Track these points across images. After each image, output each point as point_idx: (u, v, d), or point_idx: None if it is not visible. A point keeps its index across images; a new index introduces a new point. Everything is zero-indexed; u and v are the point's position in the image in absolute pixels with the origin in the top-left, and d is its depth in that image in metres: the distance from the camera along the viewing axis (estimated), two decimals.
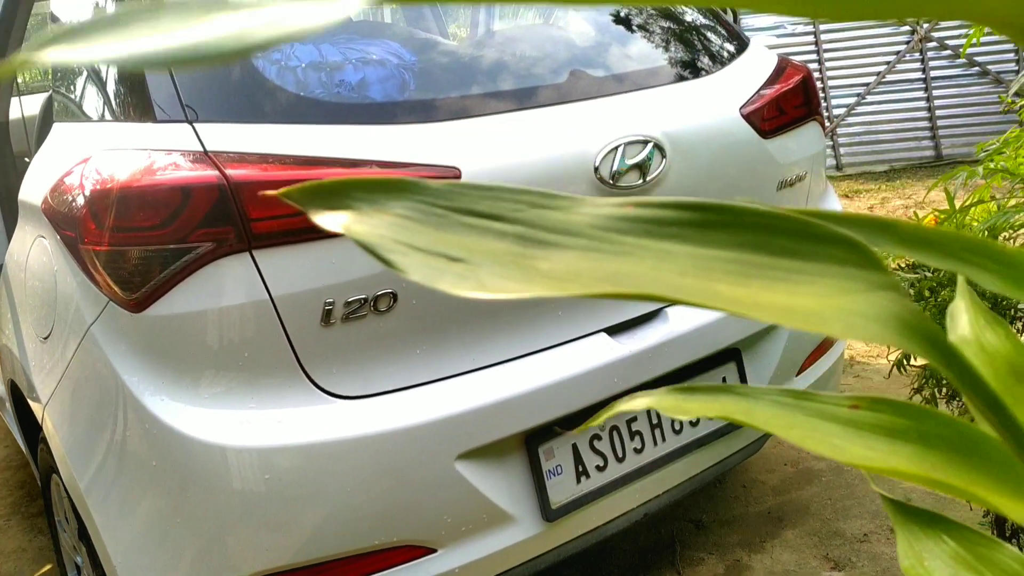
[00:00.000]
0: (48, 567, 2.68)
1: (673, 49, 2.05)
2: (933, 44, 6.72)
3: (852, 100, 6.82)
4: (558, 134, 1.67)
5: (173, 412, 1.43)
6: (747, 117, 1.93)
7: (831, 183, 6.32)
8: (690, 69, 1.99)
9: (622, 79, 1.85)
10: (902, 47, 6.77)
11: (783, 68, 2.19)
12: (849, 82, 6.86)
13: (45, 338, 1.68)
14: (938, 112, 6.66)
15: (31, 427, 2.08)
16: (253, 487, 1.44)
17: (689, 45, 2.09)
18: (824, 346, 2.22)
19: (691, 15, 2.20)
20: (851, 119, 6.80)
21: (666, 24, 2.12)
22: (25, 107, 2.81)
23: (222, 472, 1.43)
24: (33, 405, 1.80)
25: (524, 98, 1.71)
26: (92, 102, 1.69)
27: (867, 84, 6.80)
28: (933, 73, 6.71)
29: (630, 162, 1.69)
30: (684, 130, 1.80)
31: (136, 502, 1.51)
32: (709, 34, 2.17)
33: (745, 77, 2.03)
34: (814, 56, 6.89)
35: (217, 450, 1.42)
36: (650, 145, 1.72)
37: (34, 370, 1.74)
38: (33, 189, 1.72)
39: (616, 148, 1.68)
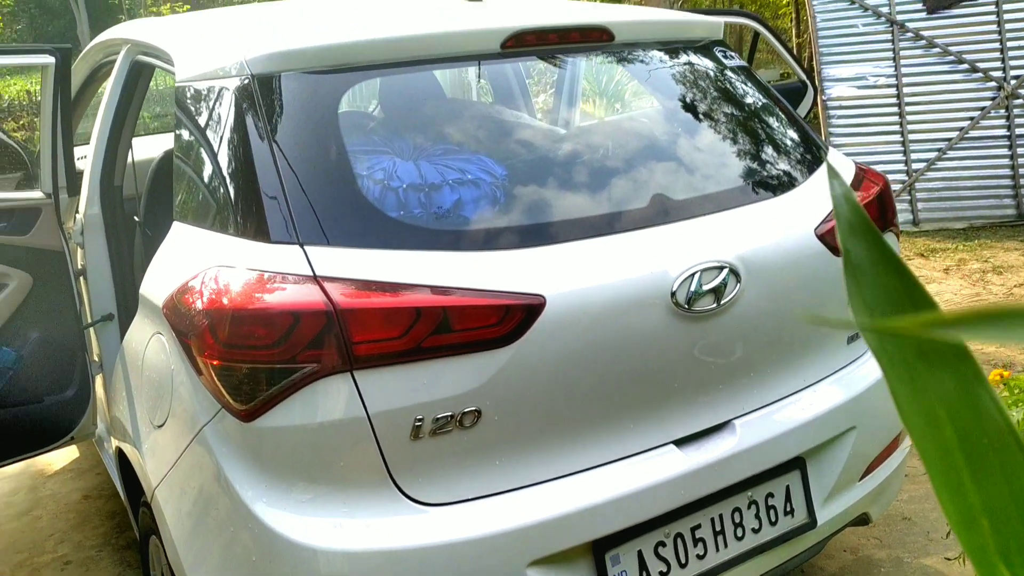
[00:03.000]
0: None
1: (752, 167, 2.12)
2: (1020, 101, 6.60)
3: (932, 154, 6.73)
4: (638, 260, 1.76)
5: (272, 515, 1.57)
6: (822, 237, 1.99)
7: (906, 239, 6.22)
8: (767, 188, 2.06)
9: (700, 202, 1.94)
10: (987, 103, 6.67)
11: (860, 179, 2.25)
12: (930, 136, 6.78)
13: (159, 426, 1.84)
14: (1021, 170, 6.54)
15: (133, 487, 2.25)
16: None
17: (767, 162, 2.16)
18: (892, 447, 2.26)
19: (773, 123, 2.28)
20: (931, 174, 6.71)
21: (745, 140, 2.20)
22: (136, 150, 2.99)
23: (314, 572, 1.56)
24: (142, 481, 1.97)
25: (606, 223, 1.81)
26: (211, 211, 1.85)
27: (949, 139, 6.71)
28: (1019, 131, 6.59)
29: (706, 287, 1.78)
30: (759, 254, 1.88)
31: None
32: (788, 146, 2.24)
33: (821, 194, 2.09)
34: (895, 108, 6.82)
35: (311, 551, 1.55)
36: (725, 270, 1.80)
37: (146, 452, 1.91)
38: (154, 288, 1.89)
39: (693, 274, 1.77)
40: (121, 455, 2.26)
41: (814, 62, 7.12)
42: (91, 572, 3.08)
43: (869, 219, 0.53)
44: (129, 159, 2.92)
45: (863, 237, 0.52)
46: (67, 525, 3.45)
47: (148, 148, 3.55)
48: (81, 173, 2.80)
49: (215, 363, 1.59)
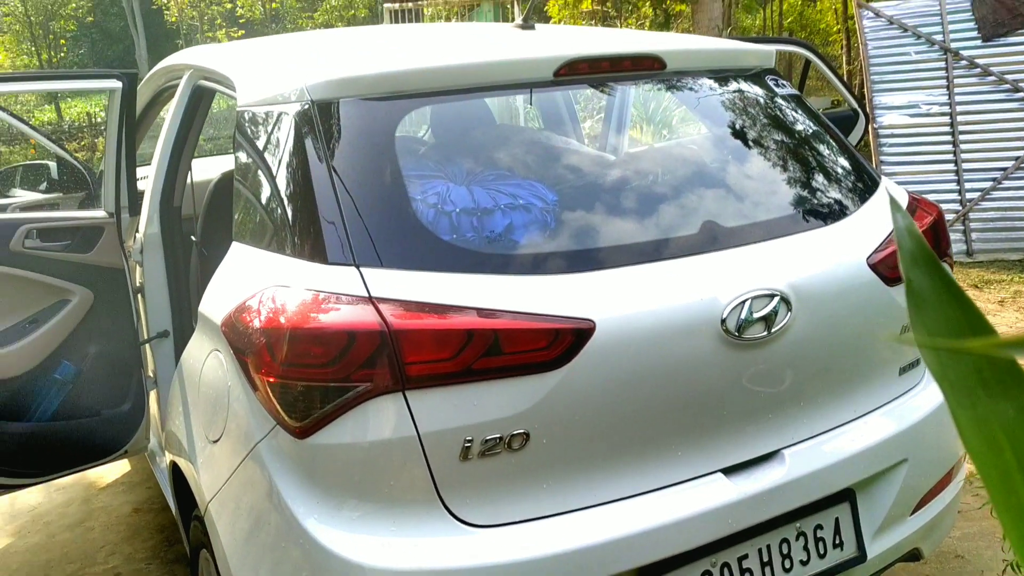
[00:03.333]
0: None
1: (803, 195, 2.12)
2: None
3: (987, 184, 6.62)
4: (688, 287, 1.77)
5: (323, 531, 1.60)
6: (874, 266, 1.98)
7: (960, 270, 6.10)
8: (819, 216, 2.06)
9: (751, 229, 1.94)
10: None
11: (913, 209, 2.23)
12: (985, 165, 6.67)
13: (214, 441, 1.88)
14: None
15: (186, 501, 2.30)
16: None
17: (819, 190, 2.16)
18: (945, 481, 2.22)
19: (825, 151, 2.27)
20: (985, 203, 6.60)
21: (797, 167, 2.20)
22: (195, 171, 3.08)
23: None
24: (196, 494, 2.01)
25: (656, 250, 1.82)
26: (270, 232, 1.90)
27: (1004, 168, 6.59)
28: None
29: (757, 315, 1.77)
30: (810, 282, 1.87)
31: None
32: (840, 175, 2.23)
33: (873, 223, 2.08)
34: (948, 137, 6.73)
35: (359, 568, 1.58)
36: (776, 299, 1.80)
37: (201, 466, 1.96)
38: (213, 306, 1.94)
39: (743, 302, 1.76)
40: (175, 469, 2.32)
41: (865, 90, 7.06)
42: None
43: (931, 250, 0.54)
44: (188, 180, 3.01)
45: (925, 268, 0.54)
46: (118, 537, 3.52)
47: (205, 169, 3.65)
48: (142, 193, 2.89)
49: (271, 380, 1.63)
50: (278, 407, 1.62)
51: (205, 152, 5.46)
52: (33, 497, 3.94)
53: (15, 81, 2.95)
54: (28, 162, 4.25)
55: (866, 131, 3.98)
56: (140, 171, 3.07)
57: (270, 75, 2.14)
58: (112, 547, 3.44)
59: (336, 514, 1.60)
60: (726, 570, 1.83)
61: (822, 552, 1.94)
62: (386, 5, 13.64)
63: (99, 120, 13.27)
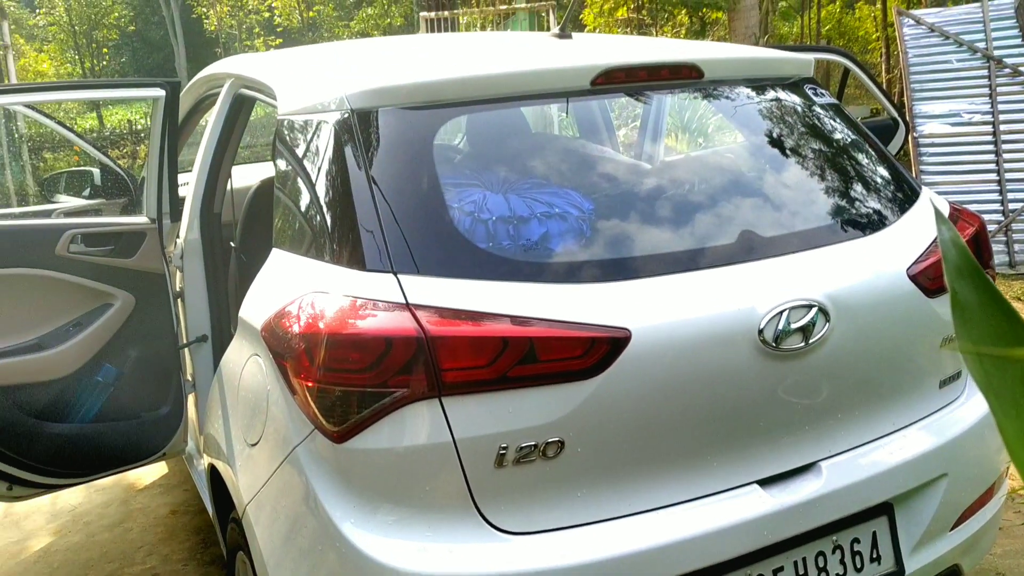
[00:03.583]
0: None
1: (842, 205, 2.10)
2: None
3: None
4: (725, 296, 1.76)
5: (359, 535, 1.61)
6: (914, 277, 1.96)
7: (1003, 282, 5.99)
8: (858, 227, 2.04)
9: (789, 239, 1.92)
10: None
11: (955, 219, 2.20)
12: None
13: (253, 444, 1.91)
14: None
15: (223, 504, 2.33)
16: None
17: (858, 200, 2.14)
18: (986, 497, 2.18)
19: (864, 161, 2.25)
20: None
21: (836, 177, 2.18)
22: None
23: None
24: (234, 497, 2.04)
25: (693, 259, 1.82)
26: (309, 239, 1.92)
27: None
28: None
29: (794, 326, 1.76)
30: (849, 293, 1.85)
31: None
32: (880, 185, 2.21)
33: (913, 234, 2.05)
34: (991, 146, 6.62)
35: (394, 573, 1.59)
36: (814, 309, 1.79)
37: (239, 469, 1.98)
38: (253, 311, 1.97)
39: (781, 312, 1.75)
40: (213, 472, 2.35)
41: (905, 98, 6.98)
42: None
43: (976, 262, 0.54)
44: (228, 187, 3.05)
45: (970, 280, 0.54)
46: (155, 538, 3.57)
47: (244, 177, 3.70)
48: (183, 200, 2.94)
49: (309, 385, 1.65)
50: (316, 411, 1.64)
51: (242, 160, 5.54)
52: (74, 497, 4.01)
53: (63, 90, 3.03)
54: (72, 168, 4.35)
55: (906, 140, 3.93)
56: (181, 178, 3.12)
57: (310, 84, 2.17)
58: (150, 548, 3.49)
59: (372, 518, 1.62)
60: None
61: (859, 566, 1.92)
62: (422, 14, 13.76)
63: (140, 127, 13.52)
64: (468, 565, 1.60)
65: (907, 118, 5.92)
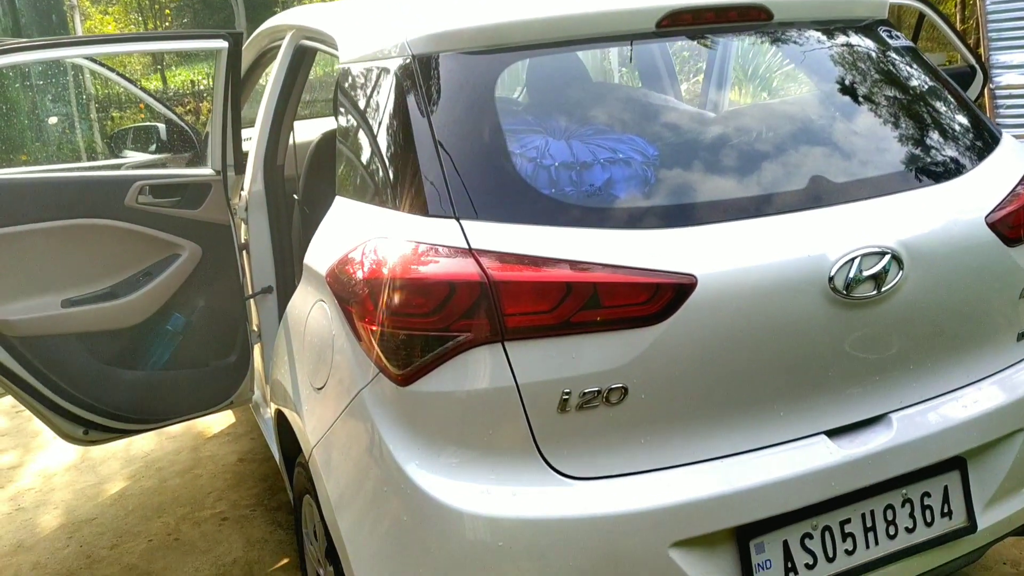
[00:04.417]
0: (286, 560, 3.04)
1: (917, 151, 2.02)
2: None
3: None
4: (794, 242, 1.72)
5: (423, 476, 1.63)
6: (992, 225, 1.88)
7: None
8: (934, 173, 1.96)
9: (862, 184, 1.86)
10: None
11: None
12: None
13: (319, 389, 1.94)
14: None
15: (290, 449, 2.38)
16: (487, 550, 1.61)
17: (934, 146, 2.06)
18: None
19: (941, 106, 2.16)
20: None
21: (910, 121, 2.10)
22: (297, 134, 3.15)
23: (461, 533, 1.61)
24: (301, 441, 2.08)
25: (761, 204, 1.77)
26: (372, 186, 1.93)
27: None
28: None
29: (866, 273, 1.71)
30: (924, 241, 1.79)
31: (384, 543, 1.72)
32: (957, 131, 2.13)
33: (992, 181, 1.97)
34: None
35: (458, 514, 1.60)
36: (887, 256, 1.73)
37: (306, 413, 2.02)
38: (318, 258, 1.99)
39: (853, 259, 1.70)
40: (280, 417, 2.40)
41: (981, 49, 6.68)
42: (245, 529, 3.28)
43: None
44: (290, 141, 3.07)
45: None
46: (224, 484, 3.68)
47: (306, 131, 3.73)
48: (247, 154, 2.97)
49: (374, 329, 1.66)
50: (380, 355, 1.66)
51: (302, 116, 5.59)
52: (147, 444, 4.15)
53: (128, 42, 3.07)
54: (139, 124, 4.43)
55: (982, 90, 3.77)
56: (244, 133, 3.16)
57: (371, 31, 2.16)
58: (219, 493, 3.61)
59: (436, 460, 1.63)
60: (827, 534, 1.79)
61: (929, 520, 1.88)
62: None
63: (203, 87, 13.71)
64: (530, 508, 1.61)
65: (984, 67, 5.68)
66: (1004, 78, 6.55)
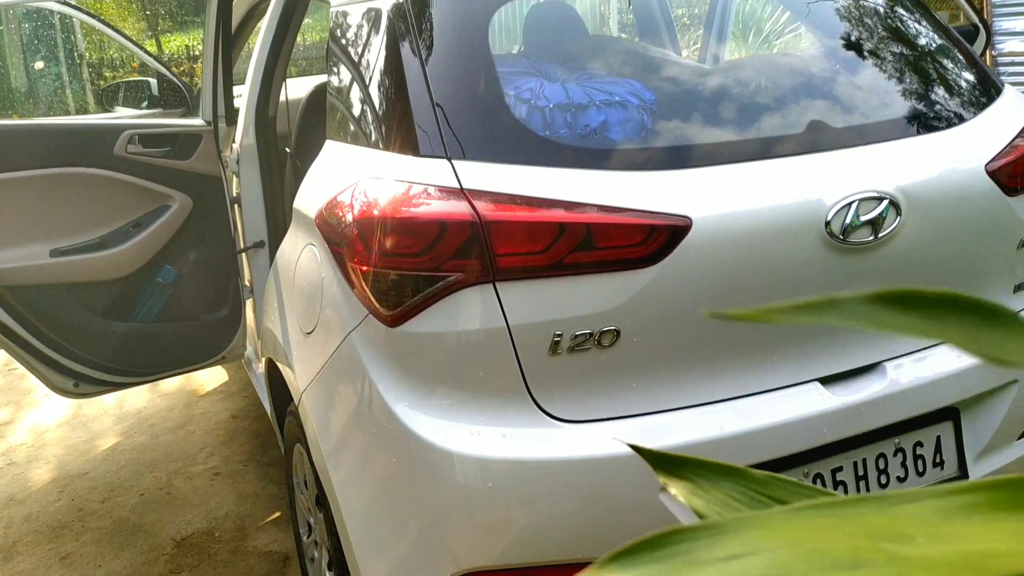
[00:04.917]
0: (278, 514, 3.04)
1: (917, 98, 1.99)
2: None
3: None
4: (791, 186, 1.69)
5: (413, 417, 1.61)
6: (992, 174, 1.86)
7: None
8: (934, 120, 1.93)
9: (861, 131, 1.84)
10: None
11: None
12: None
13: (308, 333, 1.92)
14: None
15: (280, 400, 2.37)
16: (476, 491, 1.60)
17: (935, 94, 2.03)
18: None
19: (941, 55, 2.13)
20: None
21: (911, 69, 2.07)
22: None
23: (450, 474, 1.60)
24: (291, 387, 2.06)
25: (758, 149, 1.74)
26: (363, 128, 1.90)
27: None
28: None
29: (864, 218, 1.69)
30: (922, 187, 1.77)
31: (373, 486, 1.71)
32: (958, 80, 2.09)
33: (993, 130, 1.94)
34: None
35: (447, 455, 1.59)
36: (885, 202, 1.71)
37: (296, 359, 2.00)
38: (307, 202, 1.96)
39: (850, 204, 1.68)
40: (271, 368, 2.38)
41: (985, 15, 6.62)
42: (238, 484, 3.28)
43: None
44: (282, 97, 3.02)
45: None
46: (216, 440, 3.68)
47: (298, 88, 3.67)
48: (238, 109, 2.93)
49: (364, 270, 1.64)
50: (370, 296, 1.63)
51: (293, 75, 5.51)
52: (139, 400, 4.14)
53: None
54: (130, 79, 4.37)
55: (985, 51, 3.72)
56: (237, 89, 3.11)
57: None
58: (211, 449, 3.60)
59: (426, 401, 1.62)
60: (818, 481, 1.78)
61: (921, 470, 1.87)
62: None
63: (197, 52, 13.59)
64: (521, 450, 1.59)
65: (988, 26, 5.62)
66: (1007, 45, 6.49)
